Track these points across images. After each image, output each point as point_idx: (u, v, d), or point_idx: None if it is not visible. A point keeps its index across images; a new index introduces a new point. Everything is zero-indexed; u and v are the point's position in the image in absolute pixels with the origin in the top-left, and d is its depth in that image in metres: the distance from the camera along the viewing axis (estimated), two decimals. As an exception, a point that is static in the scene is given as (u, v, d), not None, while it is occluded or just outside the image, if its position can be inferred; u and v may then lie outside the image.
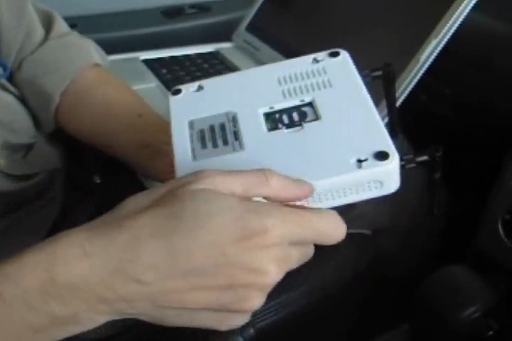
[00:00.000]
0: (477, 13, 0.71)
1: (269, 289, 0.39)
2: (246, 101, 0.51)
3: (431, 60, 0.72)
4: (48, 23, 0.78)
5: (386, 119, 0.72)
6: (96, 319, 0.38)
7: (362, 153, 0.43)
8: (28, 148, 0.73)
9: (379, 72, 0.54)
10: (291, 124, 0.48)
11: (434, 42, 0.71)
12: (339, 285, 0.80)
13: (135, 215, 0.38)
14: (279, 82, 0.52)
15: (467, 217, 0.80)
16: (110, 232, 0.37)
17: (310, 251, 0.42)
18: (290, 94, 0.50)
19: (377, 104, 0.69)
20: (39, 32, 0.76)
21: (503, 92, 0.88)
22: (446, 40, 0.71)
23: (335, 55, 0.53)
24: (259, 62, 1.00)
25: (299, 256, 0.40)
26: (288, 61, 0.54)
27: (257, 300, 0.39)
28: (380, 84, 0.56)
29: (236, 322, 0.40)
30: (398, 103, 0.73)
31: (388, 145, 0.44)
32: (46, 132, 0.75)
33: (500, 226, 0.71)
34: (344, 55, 0.53)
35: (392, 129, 0.61)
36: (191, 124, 0.51)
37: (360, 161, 0.43)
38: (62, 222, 0.74)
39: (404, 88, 0.72)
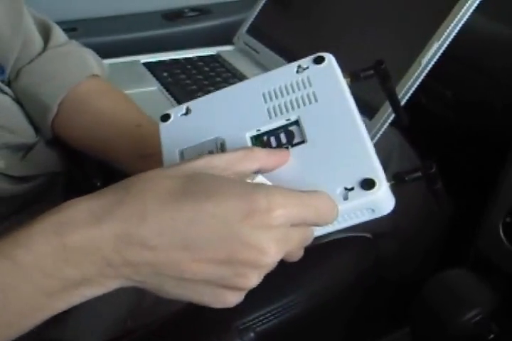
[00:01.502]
0: (476, 14, 0.71)
1: (266, 270, 0.40)
2: (233, 124, 0.50)
3: (433, 62, 0.72)
4: (46, 33, 0.77)
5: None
6: (105, 283, 0.39)
7: (348, 181, 0.43)
8: (29, 148, 0.73)
9: (370, 72, 0.52)
10: (278, 147, 0.48)
11: (436, 45, 0.71)
12: (340, 288, 0.80)
13: (143, 181, 0.40)
14: (265, 99, 0.51)
15: (468, 219, 0.79)
16: (119, 197, 0.39)
17: (310, 234, 0.43)
18: (276, 114, 0.49)
19: (379, 106, 0.69)
20: (37, 41, 0.76)
21: (503, 94, 0.88)
22: (447, 42, 0.71)
23: (320, 60, 0.51)
24: (260, 65, 1.01)
25: (299, 238, 0.41)
26: (273, 72, 0.53)
27: (253, 279, 0.39)
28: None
29: (230, 299, 0.41)
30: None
31: (375, 171, 0.43)
32: (44, 139, 0.75)
33: (500, 229, 0.71)
34: (329, 60, 0.51)
35: (399, 122, 0.60)
36: (182, 155, 0.50)
37: (346, 190, 0.42)
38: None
39: (407, 90, 0.72)
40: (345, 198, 0.42)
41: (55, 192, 0.77)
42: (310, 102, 0.49)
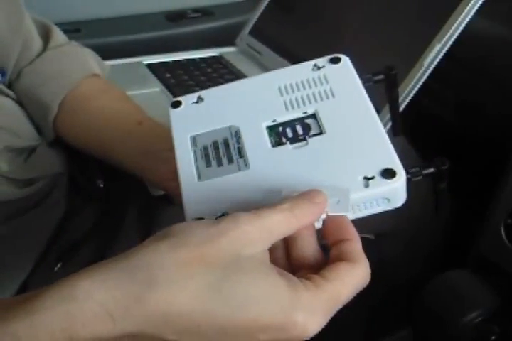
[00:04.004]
0: (477, 16, 0.72)
1: None
2: (248, 113, 0.51)
3: (434, 64, 0.72)
4: (45, 34, 0.78)
5: (388, 125, 0.72)
6: None
7: (369, 170, 0.43)
8: (31, 151, 0.73)
9: (381, 76, 0.53)
10: (295, 138, 0.48)
11: (437, 47, 0.71)
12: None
13: (171, 269, 0.35)
14: (281, 92, 0.51)
15: (469, 221, 0.80)
16: (139, 294, 0.34)
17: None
18: (292, 106, 0.50)
19: (380, 108, 0.70)
20: (37, 42, 0.76)
21: (505, 95, 0.88)
22: (449, 44, 0.71)
23: (336, 61, 0.52)
24: (263, 67, 1.01)
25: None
26: (288, 68, 0.54)
27: None
28: (382, 86, 0.56)
29: None
30: (402, 107, 0.73)
31: (395, 162, 0.44)
32: (47, 141, 0.75)
33: (502, 231, 0.71)
34: (345, 61, 0.52)
35: (394, 131, 0.61)
36: (194, 140, 0.51)
37: (366, 179, 0.43)
38: (65, 227, 0.75)
39: (408, 93, 0.73)
40: (366, 186, 0.43)
41: (58, 193, 0.77)
42: (327, 97, 0.50)
